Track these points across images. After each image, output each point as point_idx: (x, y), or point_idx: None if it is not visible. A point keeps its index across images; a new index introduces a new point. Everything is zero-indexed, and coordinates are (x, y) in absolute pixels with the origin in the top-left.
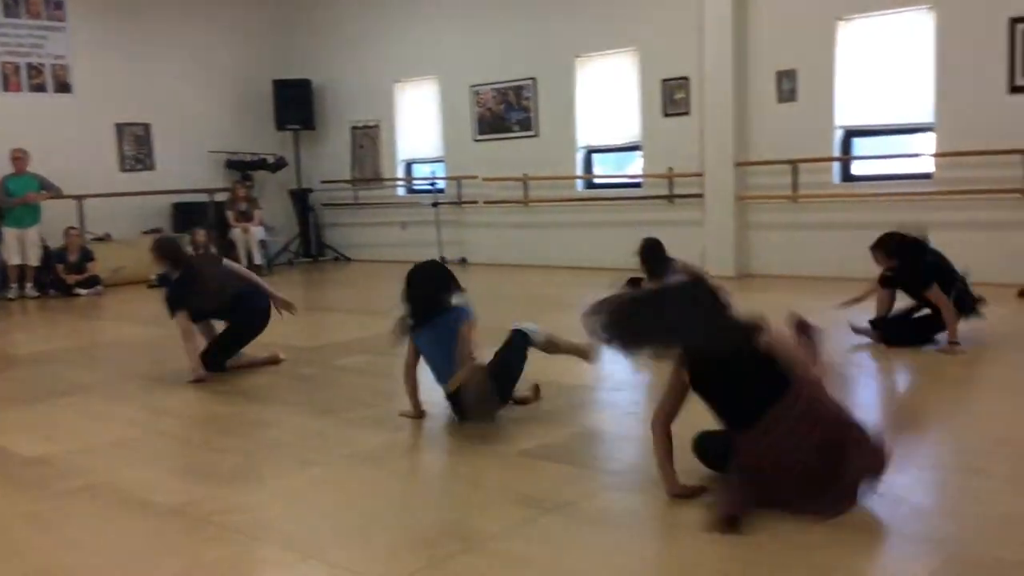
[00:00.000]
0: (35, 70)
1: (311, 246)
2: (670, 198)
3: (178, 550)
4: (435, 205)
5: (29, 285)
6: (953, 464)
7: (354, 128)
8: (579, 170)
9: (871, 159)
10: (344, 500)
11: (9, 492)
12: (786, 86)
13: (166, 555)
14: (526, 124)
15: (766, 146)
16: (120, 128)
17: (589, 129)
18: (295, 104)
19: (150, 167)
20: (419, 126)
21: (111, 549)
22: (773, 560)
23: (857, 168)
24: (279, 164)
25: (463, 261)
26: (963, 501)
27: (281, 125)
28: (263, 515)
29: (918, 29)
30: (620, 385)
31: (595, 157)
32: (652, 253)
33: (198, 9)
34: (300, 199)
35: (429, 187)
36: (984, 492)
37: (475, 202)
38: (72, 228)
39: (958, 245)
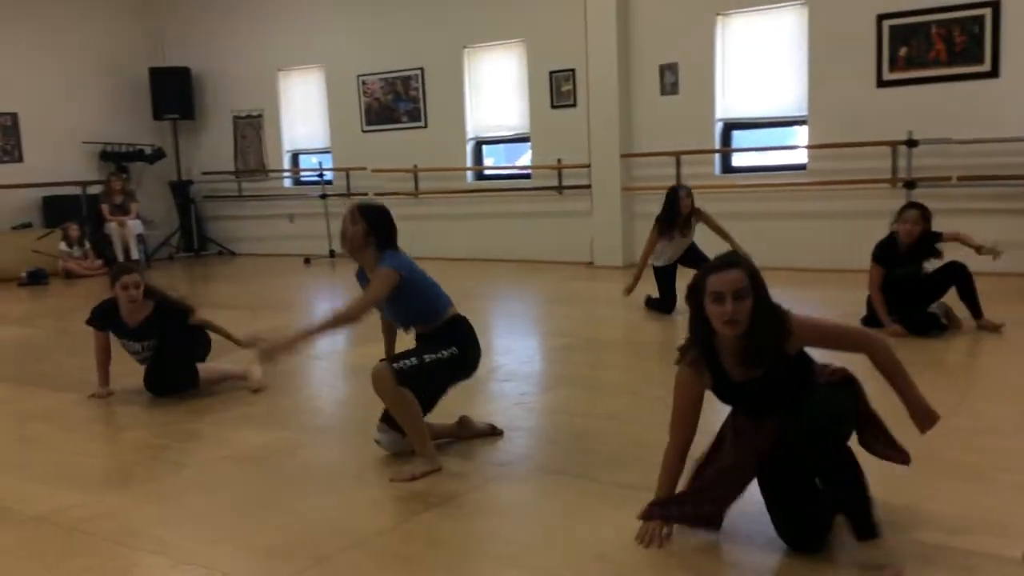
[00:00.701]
0: None
1: (193, 240)
2: (559, 189)
3: (43, 560)
4: (324, 197)
5: None
6: None
7: (236, 118)
8: (469, 161)
9: (749, 151)
10: (221, 502)
11: None
12: (668, 79)
13: (30, 566)
14: (415, 115)
15: (650, 138)
16: None
17: (478, 120)
18: (173, 93)
19: (18, 159)
20: (305, 116)
21: None
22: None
23: (737, 160)
24: (157, 155)
25: None
26: None
27: (159, 115)
28: (133, 521)
29: (792, 25)
30: (510, 376)
31: (485, 148)
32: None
33: None
34: (180, 191)
35: (317, 178)
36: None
37: (365, 194)
38: None
39: (831, 233)
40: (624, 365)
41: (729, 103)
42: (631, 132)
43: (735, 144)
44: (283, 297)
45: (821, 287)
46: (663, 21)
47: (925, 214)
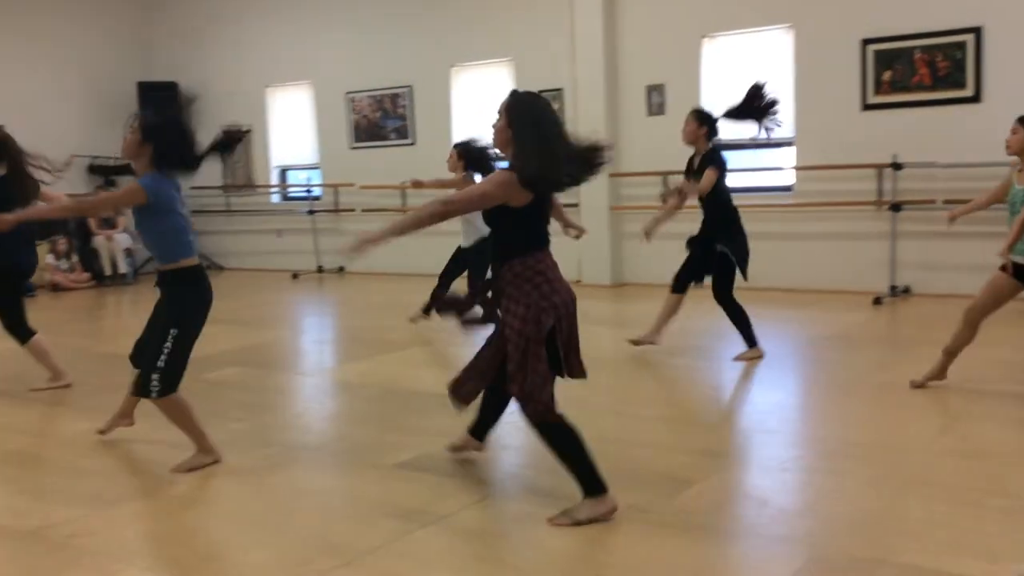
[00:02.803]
0: None
1: None
2: None
3: None
4: (311, 213)
5: None
6: (815, 466)
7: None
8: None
9: (736, 172)
10: (212, 519)
11: None
12: (655, 100)
13: None
14: (403, 132)
15: (638, 158)
16: None
17: (466, 138)
18: (161, 108)
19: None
20: (293, 132)
21: None
22: (646, 562)
23: (733, 180)
24: None
25: (341, 270)
26: (823, 501)
27: None
28: (125, 537)
29: (778, 47)
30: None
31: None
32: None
33: (51, 6)
34: None
35: (305, 194)
36: (842, 492)
37: (352, 210)
38: None
39: (817, 255)
40: (611, 385)
41: (716, 125)
42: (619, 152)
43: (732, 166)
44: (270, 312)
45: (807, 307)
46: (650, 42)
47: None
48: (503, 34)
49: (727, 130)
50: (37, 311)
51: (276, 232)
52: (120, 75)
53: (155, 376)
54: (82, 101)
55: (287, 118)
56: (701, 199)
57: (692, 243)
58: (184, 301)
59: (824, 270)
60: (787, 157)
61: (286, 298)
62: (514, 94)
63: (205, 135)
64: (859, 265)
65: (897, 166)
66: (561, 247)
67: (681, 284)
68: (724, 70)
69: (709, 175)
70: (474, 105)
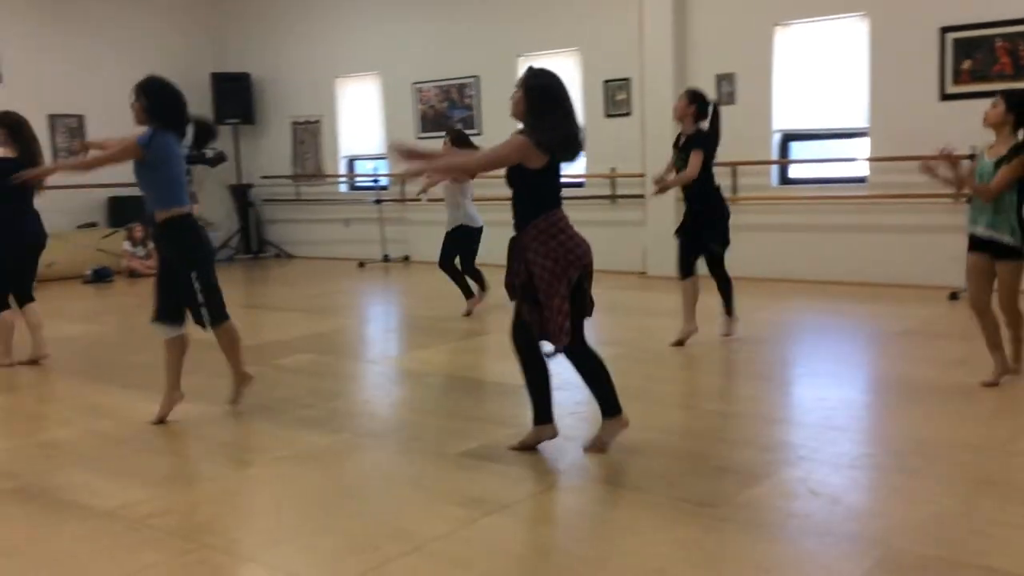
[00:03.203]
0: None
1: (251, 242)
2: (612, 198)
3: (113, 555)
4: (378, 202)
5: None
6: (886, 464)
7: (295, 123)
8: None
9: (808, 163)
10: (284, 502)
11: None
12: (725, 89)
13: (102, 560)
14: (469, 122)
15: None
16: (53, 119)
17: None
18: (234, 98)
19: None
20: (361, 122)
21: (44, 554)
22: (712, 557)
23: (794, 171)
24: (218, 159)
25: (406, 259)
26: (894, 500)
27: (220, 119)
28: (201, 518)
29: (853, 36)
30: (564, 385)
31: None
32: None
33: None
34: (240, 194)
35: (372, 184)
36: (914, 491)
37: (419, 199)
38: None
39: (891, 248)
40: (678, 378)
41: (787, 114)
42: None
43: (793, 155)
44: (337, 300)
45: (880, 302)
46: (720, 30)
47: None
48: (570, 23)
49: (798, 118)
50: (113, 295)
51: (344, 221)
52: (195, 66)
53: (203, 310)
54: None
55: (355, 108)
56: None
57: (681, 234)
58: (189, 245)
59: (898, 264)
60: (861, 148)
61: (353, 286)
62: (530, 70)
63: (278, 125)
64: (934, 259)
65: (975, 158)
66: (627, 239)
67: (687, 269)
68: (797, 59)
69: (694, 160)
70: None
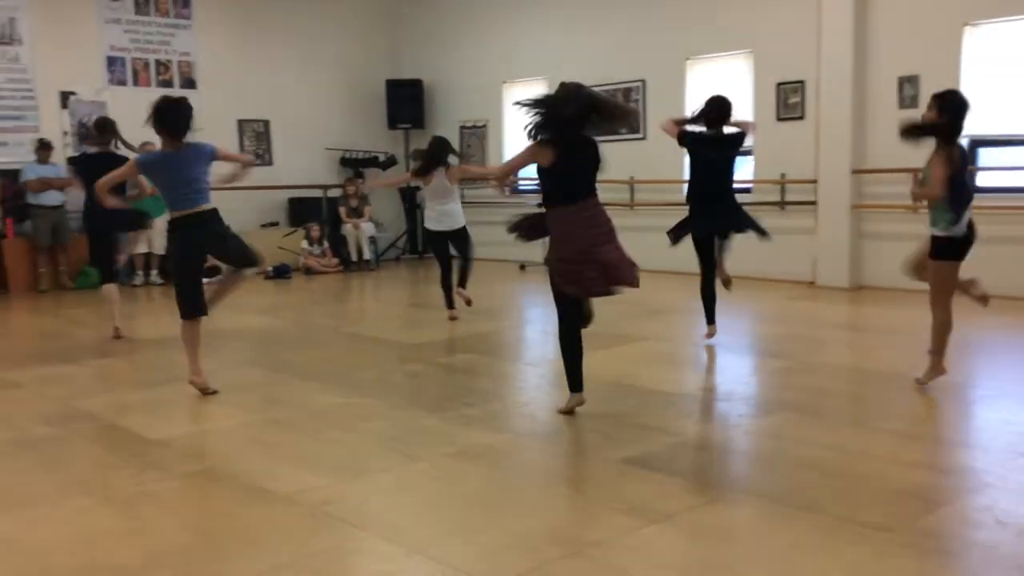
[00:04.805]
0: (163, 66)
1: (418, 243)
2: (781, 205)
3: (291, 537)
4: (540, 205)
5: (154, 272)
6: None
7: (463, 127)
8: (686, 174)
9: (998, 170)
10: (448, 497)
11: (135, 472)
12: (908, 92)
13: (278, 542)
14: (634, 126)
15: (885, 154)
16: (241, 124)
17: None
18: (407, 103)
19: (268, 162)
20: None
21: (226, 533)
22: None
23: (983, 179)
24: (389, 162)
25: None
26: None
27: (393, 124)
28: (370, 507)
29: None
30: (726, 396)
31: None
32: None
33: (314, 10)
34: (409, 197)
35: (534, 187)
36: None
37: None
38: None
39: None
40: (850, 393)
41: (976, 119)
42: (864, 147)
43: (982, 163)
44: (498, 302)
45: None
46: (904, 31)
47: None
48: (742, 25)
49: (988, 123)
50: (290, 292)
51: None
52: (371, 73)
53: (252, 250)
54: (339, 98)
55: (519, 113)
56: None
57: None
58: (223, 223)
59: None
60: None
61: (513, 288)
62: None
63: (447, 129)
64: None
65: None
66: (796, 248)
67: (708, 266)
68: (987, 60)
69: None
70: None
